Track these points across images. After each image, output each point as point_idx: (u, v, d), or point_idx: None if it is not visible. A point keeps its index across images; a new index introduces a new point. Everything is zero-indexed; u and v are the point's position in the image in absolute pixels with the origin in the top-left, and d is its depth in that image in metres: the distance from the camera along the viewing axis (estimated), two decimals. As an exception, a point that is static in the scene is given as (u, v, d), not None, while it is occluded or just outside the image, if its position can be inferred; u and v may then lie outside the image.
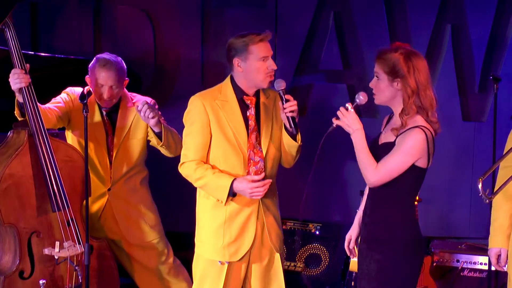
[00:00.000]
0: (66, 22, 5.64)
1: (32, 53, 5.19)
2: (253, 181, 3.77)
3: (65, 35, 5.64)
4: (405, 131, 3.47)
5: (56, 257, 4.18)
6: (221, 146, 3.87)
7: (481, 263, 5.10)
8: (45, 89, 4.92)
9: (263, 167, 3.89)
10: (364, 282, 3.57)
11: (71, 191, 4.31)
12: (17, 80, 4.12)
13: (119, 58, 4.46)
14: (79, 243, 4.25)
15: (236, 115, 3.86)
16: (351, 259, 4.42)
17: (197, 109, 3.87)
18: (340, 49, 5.65)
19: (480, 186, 3.31)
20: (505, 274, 4.93)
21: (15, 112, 4.26)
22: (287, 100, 3.78)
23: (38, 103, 4.21)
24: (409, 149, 3.43)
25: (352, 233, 3.77)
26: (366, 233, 3.61)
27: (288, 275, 4.95)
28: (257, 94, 3.93)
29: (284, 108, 3.77)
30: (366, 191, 3.69)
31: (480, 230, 5.48)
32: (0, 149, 4.23)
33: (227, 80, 3.93)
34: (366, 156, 3.48)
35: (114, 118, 4.50)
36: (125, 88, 4.53)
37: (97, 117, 4.48)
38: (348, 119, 3.50)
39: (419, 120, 3.48)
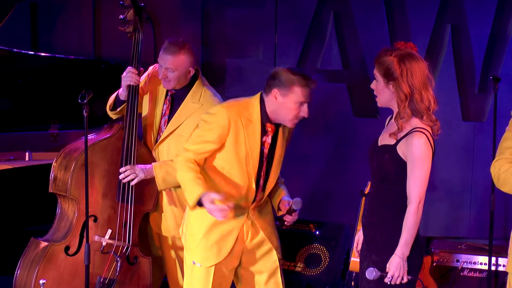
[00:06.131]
0: (66, 22, 5.64)
1: (32, 53, 5.20)
2: (212, 202, 3.72)
3: (65, 35, 5.64)
4: (404, 136, 3.45)
5: (103, 244, 4.33)
6: (229, 160, 3.87)
7: (481, 263, 5.10)
8: (45, 89, 4.93)
9: (257, 193, 3.93)
10: (364, 282, 3.57)
11: (148, 192, 4.44)
12: (129, 77, 4.35)
13: (188, 45, 4.40)
14: (129, 241, 4.38)
15: (256, 139, 3.86)
16: (351, 259, 4.42)
17: (222, 122, 3.82)
18: (340, 49, 5.65)
19: None
20: (505, 274, 4.93)
21: (107, 106, 4.50)
22: (293, 214, 3.88)
23: (137, 104, 4.40)
24: (421, 159, 3.40)
25: (360, 235, 3.75)
26: (365, 234, 3.61)
27: (288, 275, 4.95)
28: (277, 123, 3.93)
29: (285, 220, 3.89)
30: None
31: (480, 230, 5.48)
32: (97, 133, 4.53)
33: (257, 100, 3.88)
34: (414, 230, 3.45)
35: (176, 105, 4.49)
36: (205, 82, 4.46)
37: (161, 97, 4.51)
38: (395, 271, 3.44)
39: (416, 122, 3.46)
